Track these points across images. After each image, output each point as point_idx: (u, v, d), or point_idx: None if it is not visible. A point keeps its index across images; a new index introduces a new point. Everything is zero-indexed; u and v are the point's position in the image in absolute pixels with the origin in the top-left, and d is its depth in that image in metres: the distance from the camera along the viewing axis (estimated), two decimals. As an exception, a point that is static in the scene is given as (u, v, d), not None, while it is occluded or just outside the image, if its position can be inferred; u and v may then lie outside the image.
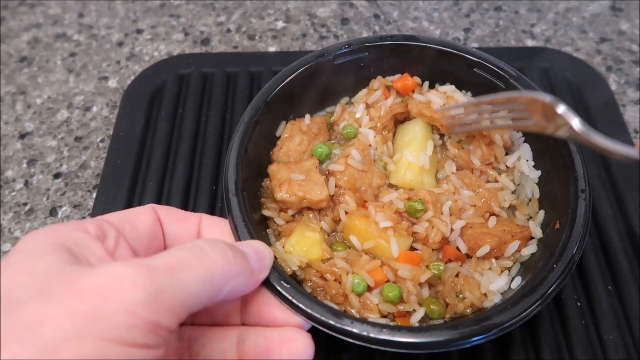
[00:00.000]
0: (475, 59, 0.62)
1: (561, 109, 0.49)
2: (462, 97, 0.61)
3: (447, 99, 0.61)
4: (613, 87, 0.82)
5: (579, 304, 0.61)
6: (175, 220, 0.47)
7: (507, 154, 0.61)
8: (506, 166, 0.61)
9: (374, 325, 0.45)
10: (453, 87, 0.63)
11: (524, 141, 0.62)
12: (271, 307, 0.46)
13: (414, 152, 0.59)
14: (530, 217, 0.58)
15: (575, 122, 0.48)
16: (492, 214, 0.58)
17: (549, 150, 0.58)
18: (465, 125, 0.59)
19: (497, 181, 0.59)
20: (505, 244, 0.54)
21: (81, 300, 0.32)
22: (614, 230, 0.66)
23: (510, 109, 0.54)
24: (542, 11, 0.94)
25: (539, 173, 0.59)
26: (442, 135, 0.63)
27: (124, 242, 0.42)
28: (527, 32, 0.91)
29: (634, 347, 0.58)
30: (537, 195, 0.58)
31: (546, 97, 0.50)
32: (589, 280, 0.62)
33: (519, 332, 0.59)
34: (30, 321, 0.31)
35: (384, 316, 0.52)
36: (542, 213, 0.57)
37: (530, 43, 0.89)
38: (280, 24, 0.94)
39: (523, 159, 0.60)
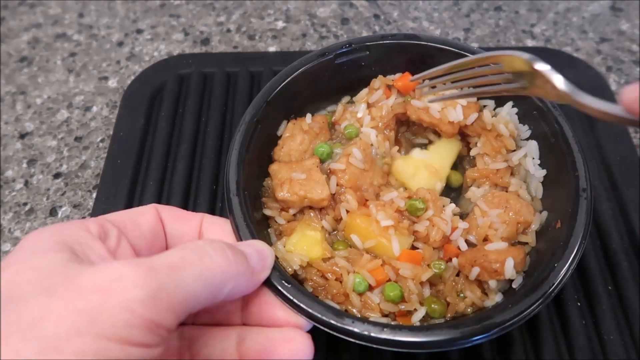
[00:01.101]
0: None
1: (540, 65, 0.45)
2: (461, 100, 0.61)
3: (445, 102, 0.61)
4: (613, 87, 0.82)
5: (579, 304, 0.61)
6: (177, 220, 0.47)
7: (513, 150, 0.60)
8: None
9: (375, 324, 0.45)
10: None
11: (532, 138, 0.60)
12: (272, 306, 0.46)
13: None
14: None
15: (558, 80, 0.44)
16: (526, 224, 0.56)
17: (550, 149, 0.57)
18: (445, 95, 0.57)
19: (509, 184, 0.58)
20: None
21: (82, 297, 0.32)
22: (614, 230, 0.66)
23: (490, 73, 0.50)
24: (542, 11, 0.94)
25: (544, 172, 0.58)
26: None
27: (126, 242, 0.42)
28: (527, 32, 0.91)
29: (634, 347, 0.58)
30: (540, 195, 0.58)
31: (524, 55, 0.46)
32: (589, 280, 0.62)
33: (519, 332, 0.59)
34: (32, 318, 0.31)
35: (385, 315, 0.52)
36: (545, 214, 0.56)
37: (530, 43, 0.89)
38: (280, 24, 0.94)
39: (529, 157, 0.58)
